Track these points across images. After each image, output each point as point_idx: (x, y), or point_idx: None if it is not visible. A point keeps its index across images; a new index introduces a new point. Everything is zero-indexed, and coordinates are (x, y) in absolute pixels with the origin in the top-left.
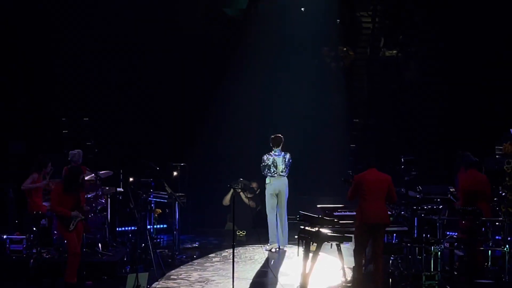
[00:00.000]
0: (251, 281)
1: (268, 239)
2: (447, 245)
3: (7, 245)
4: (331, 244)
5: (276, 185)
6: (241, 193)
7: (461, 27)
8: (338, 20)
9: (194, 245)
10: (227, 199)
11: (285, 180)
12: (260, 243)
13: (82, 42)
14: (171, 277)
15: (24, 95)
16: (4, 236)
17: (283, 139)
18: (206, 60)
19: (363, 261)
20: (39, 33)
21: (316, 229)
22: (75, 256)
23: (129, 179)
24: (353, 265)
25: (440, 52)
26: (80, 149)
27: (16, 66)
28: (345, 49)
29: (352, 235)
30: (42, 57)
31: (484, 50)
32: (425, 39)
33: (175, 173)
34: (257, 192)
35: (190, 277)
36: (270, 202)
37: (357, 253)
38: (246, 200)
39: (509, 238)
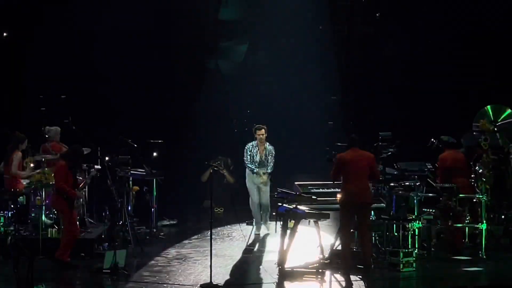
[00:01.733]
0: (229, 258)
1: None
2: (424, 222)
3: None
4: (309, 221)
5: None
6: (225, 172)
7: (439, 4)
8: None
9: (172, 222)
10: (206, 176)
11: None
12: (237, 221)
13: (61, 20)
14: (149, 254)
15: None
16: None
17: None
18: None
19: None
20: (18, 11)
21: (294, 206)
22: (76, 234)
23: (106, 156)
24: (332, 242)
25: (417, 29)
26: (57, 126)
27: None
28: (320, 27)
29: (329, 212)
30: (20, 34)
31: (461, 28)
32: (403, 16)
33: (154, 154)
34: (231, 168)
35: (168, 254)
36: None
37: (342, 233)
38: (229, 178)
39: (486, 215)
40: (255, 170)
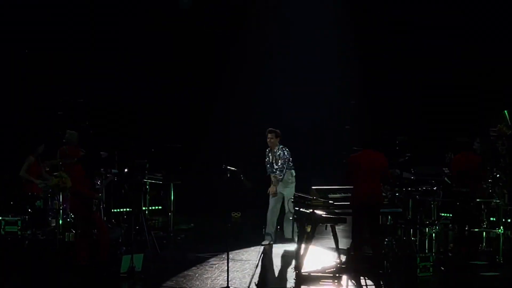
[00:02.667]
0: (246, 262)
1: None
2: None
3: (2, 227)
4: (326, 225)
5: None
6: (242, 177)
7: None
8: None
9: (189, 226)
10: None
11: None
12: (254, 225)
13: (77, 23)
14: (166, 258)
15: (19, 76)
16: None
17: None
18: (205, 39)
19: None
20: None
21: (311, 210)
22: (105, 233)
23: (124, 160)
24: (348, 246)
25: (435, 30)
26: (75, 131)
27: (12, 47)
28: None
29: (347, 217)
30: (38, 38)
31: (477, 30)
32: (422, 13)
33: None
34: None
35: (184, 258)
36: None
37: (353, 235)
38: (246, 183)
39: (503, 220)
40: (270, 174)
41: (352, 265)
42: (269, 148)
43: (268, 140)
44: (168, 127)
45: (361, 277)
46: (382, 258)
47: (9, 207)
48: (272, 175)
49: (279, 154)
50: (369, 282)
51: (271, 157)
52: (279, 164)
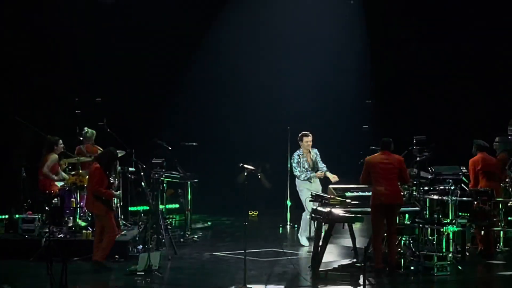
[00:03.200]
0: (263, 261)
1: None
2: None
3: (20, 224)
4: (343, 224)
5: None
6: (260, 176)
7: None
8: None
9: (206, 225)
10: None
11: None
12: (272, 224)
13: (91, 23)
14: (183, 256)
15: (38, 74)
16: (17, 215)
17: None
18: (220, 37)
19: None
20: (55, 15)
21: (328, 209)
22: (112, 236)
23: (141, 159)
24: (365, 245)
25: (451, 33)
26: (92, 129)
27: (31, 45)
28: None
29: (364, 216)
30: (57, 38)
31: (495, 31)
32: (438, 19)
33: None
34: (268, 173)
35: (201, 257)
36: None
37: (373, 235)
38: (265, 182)
39: None
40: (311, 175)
41: (369, 264)
42: (300, 152)
43: (307, 143)
44: (184, 125)
45: (378, 276)
46: (400, 257)
47: (27, 205)
48: (319, 172)
49: (315, 154)
50: (386, 281)
51: (307, 160)
52: (320, 162)
